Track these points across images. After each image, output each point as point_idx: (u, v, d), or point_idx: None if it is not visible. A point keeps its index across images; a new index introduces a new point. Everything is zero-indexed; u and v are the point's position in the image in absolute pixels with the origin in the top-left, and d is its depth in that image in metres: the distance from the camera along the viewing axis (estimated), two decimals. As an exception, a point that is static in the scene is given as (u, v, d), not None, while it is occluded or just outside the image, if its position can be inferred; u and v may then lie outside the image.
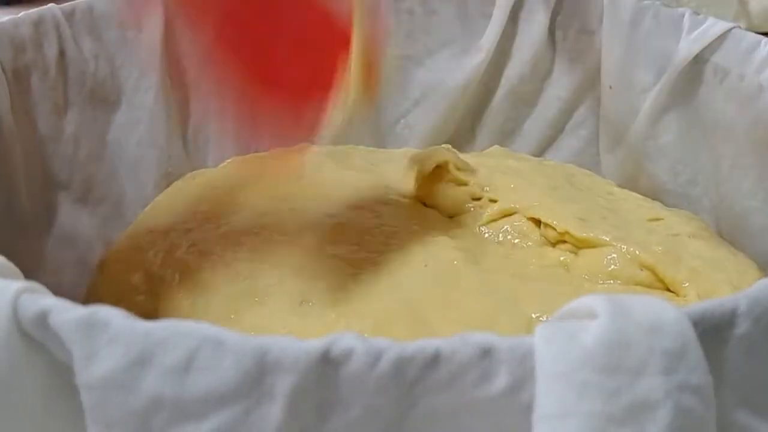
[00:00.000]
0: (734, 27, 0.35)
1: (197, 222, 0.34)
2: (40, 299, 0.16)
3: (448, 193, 0.36)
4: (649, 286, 0.31)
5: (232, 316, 0.29)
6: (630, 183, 0.40)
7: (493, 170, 0.37)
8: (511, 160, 0.39)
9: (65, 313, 0.16)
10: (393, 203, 0.35)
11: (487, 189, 0.35)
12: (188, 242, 0.33)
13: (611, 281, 0.31)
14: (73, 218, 0.35)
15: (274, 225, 0.33)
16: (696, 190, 0.37)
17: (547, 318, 0.28)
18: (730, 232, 0.35)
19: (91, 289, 0.33)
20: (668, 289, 0.31)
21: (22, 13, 0.33)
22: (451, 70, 0.42)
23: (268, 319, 0.29)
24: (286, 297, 0.30)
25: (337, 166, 0.38)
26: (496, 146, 0.43)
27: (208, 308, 0.30)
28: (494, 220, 0.35)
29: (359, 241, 0.32)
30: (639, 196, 0.38)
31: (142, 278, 0.32)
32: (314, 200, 0.35)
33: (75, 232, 0.35)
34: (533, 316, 0.29)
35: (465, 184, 0.36)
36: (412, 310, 0.29)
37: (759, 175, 0.33)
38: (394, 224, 0.33)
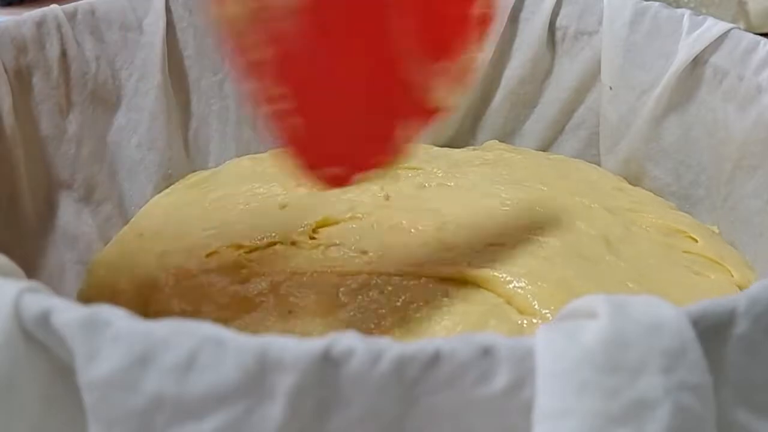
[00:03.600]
0: (733, 28, 0.35)
1: (190, 225, 0.34)
2: (42, 299, 0.16)
3: None
4: None
5: (222, 325, 0.29)
6: (633, 184, 0.40)
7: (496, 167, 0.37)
8: (512, 154, 0.39)
9: (67, 312, 0.16)
10: (390, 205, 0.35)
11: None
12: (181, 247, 0.32)
13: None
14: (74, 218, 0.35)
15: (268, 230, 0.33)
16: (699, 192, 0.38)
17: (534, 323, 0.28)
18: (733, 233, 0.35)
19: (80, 294, 0.32)
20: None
21: (24, 14, 0.33)
22: (452, 70, 0.42)
23: (256, 328, 0.28)
24: (275, 306, 0.29)
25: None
26: (494, 141, 0.43)
27: (199, 315, 0.29)
28: None
29: (353, 247, 0.32)
30: (652, 194, 0.38)
31: (129, 284, 0.31)
32: (308, 203, 0.34)
33: (76, 232, 0.35)
34: (518, 323, 0.28)
35: None
36: (399, 318, 0.29)
37: (762, 176, 0.33)
38: (388, 229, 0.33)
